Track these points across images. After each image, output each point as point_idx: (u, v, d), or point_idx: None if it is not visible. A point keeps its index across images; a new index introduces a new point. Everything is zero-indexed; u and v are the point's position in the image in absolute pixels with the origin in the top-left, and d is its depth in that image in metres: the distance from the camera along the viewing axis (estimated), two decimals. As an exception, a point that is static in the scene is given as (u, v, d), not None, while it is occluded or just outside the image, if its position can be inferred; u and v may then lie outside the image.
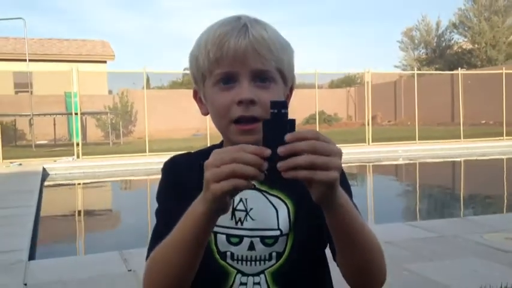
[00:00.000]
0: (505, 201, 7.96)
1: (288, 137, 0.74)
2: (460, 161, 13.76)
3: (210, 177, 0.77)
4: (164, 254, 0.91)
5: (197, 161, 1.07)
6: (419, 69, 28.44)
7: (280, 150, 0.74)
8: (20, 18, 21.27)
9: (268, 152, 0.75)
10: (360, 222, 0.87)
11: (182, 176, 1.06)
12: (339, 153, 0.76)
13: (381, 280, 0.96)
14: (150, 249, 0.98)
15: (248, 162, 0.75)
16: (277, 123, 0.76)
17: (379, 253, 0.93)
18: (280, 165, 0.74)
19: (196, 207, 0.83)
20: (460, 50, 34.64)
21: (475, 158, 13.79)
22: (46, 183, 10.18)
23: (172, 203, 1.02)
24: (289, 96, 1.07)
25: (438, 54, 35.47)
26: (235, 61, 0.95)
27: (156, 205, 1.07)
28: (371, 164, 13.27)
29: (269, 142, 0.76)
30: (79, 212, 8.19)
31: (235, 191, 0.77)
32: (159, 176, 1.10)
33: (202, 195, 0.81)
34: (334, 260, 0.99)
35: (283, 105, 0.77)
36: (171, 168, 1.10)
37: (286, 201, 1.03)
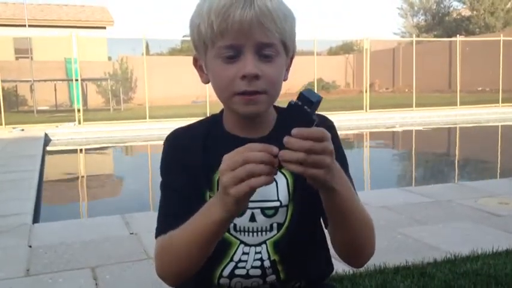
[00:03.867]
0: (500, 167, 8.01)
1: (294, 131, 0.76)
2: (456, 127, 13.76)
3: (227, 182, 0.78)
4: (178, 247, 0.94)
5: (199, 133, 1.08)
6: (418, 36, 28.14)
7: (285, 140, 0.76)
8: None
9: (275, 150, 0.77)
10: (354, 204, 0.90)
11: (185, 151, 1.06)
12: (331, 152, 0.79)
13: (370, 254, 1.00)
14: (159, 227, 1.01)
15: (261, 161, 0.76)
16: (295, 115, 0.76)
17: (371, 231, 0.96)
18: (280, 155, 0.77)
19: (214, 213, 0.84)
20: (458, 17, 34.24)
21: (471, 124, 13.79)
22: (48, 148, 10.19)
23: (178, 178, 1.04)
24: (289, 65, 1.05)
25: (437, 21, 35.06)
26: (240, 34, 0.92)
27: (158, 177, 1.08)
28: (368, 130, 13.27)
29: (280, 129, 0.78)
30: (81, 176, 8.23)
31: (254, 190, 0.78)
32: (160, 142, 1.10)
33: (220, 201, 0.82)
34: (326, 228, 1.03)
35: (309, 103, 0.76)
36: (174, 142, 1.09)
37: (286, 173, 1.04)
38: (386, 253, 3.03)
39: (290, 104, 0.77)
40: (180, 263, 0.94)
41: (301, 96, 0.76)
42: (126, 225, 3.84)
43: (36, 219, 4.40)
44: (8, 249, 3.34)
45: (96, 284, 2.73)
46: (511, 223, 3.67)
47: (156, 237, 1.00)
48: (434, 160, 9.41)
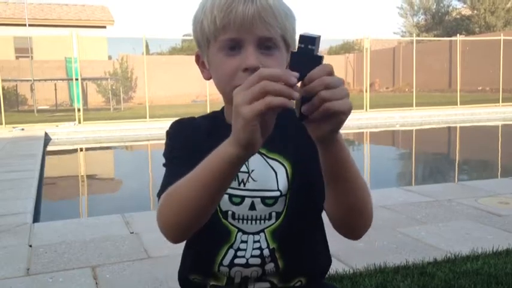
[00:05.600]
0: (500, 166, 8.01)
1: (310, 74, 0.73)
2: (456, 127, 13.76)
3: (240, 101, 0.72)
4: (184, 190, 0.88)
5: (202, 124, 1.10)
6: (418, 35, 28.13)
7: (306, 79, 0.73)
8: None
9: (293, 79, 0.72)
10: (352, 158, 0.87)
11: (191, 136, 1.08)
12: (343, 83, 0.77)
13: (368, 224, 0.97)
14: (162, 189, 0.98)
15: (279, 78, 0.71)
16: (301, 58, 0.75)
17: (368, 196, 0.94)
18: (305, 109, 0.74)
19: (224, 148, 0.79)
20: (458, 16, 34.23)
21: (471, 124, 13.79)
22: (48, 147, 10.19)
23: (182, 152, 1.04)
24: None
25: (437, 21, 35.04)
26: (242, 28, 0.95)
27: (158, 176, 1.07)
28: (368, 130, 13.27)
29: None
30: (81, 176, 8.23)
31: (269, 110, 0.71)
32: (160, 141, 1.11)
33: (232, 134, 0.76)
34: (324, 209, 1.00)
35: (312, 41, 0.74)
36: (179, 126, 1.12)
37: (284, 163, 1.05)
38: (386, 252, 3.03)
39: (294, 52, 0.75)
40: (185, 208, 0.88)
41: (301, 38, 0.75)
42: (126, 224, 3.84)
43: (36, 218, 4.40)
44: (8, 249, 3.34)
45: (97, 283, 2.72)
46: (511, 223, 3.67)
47: (159, 195, 0.98)
48: (435, 159, 9.41)
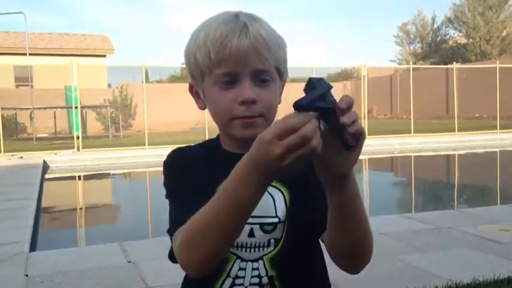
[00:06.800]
0: (499, 193, 7.99)
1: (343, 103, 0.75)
2: (455, 154, 13.77)
3: (279, 153, 0.72)
4: (206, 221, 0.85)
5: (200, 152, 1.10)
6: (414, 63, 28.44)
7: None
8: (21, 12, 21.18)
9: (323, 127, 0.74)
10: (360, 199, 0.89)
11: (191, 165, 1.07)
12: None
13: (369, 258, 0.98)
14: (174, 225, 0.95)
15: (306, 125, 0.72)
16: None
17: (371, 232, 0.94)
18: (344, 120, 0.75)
19: (252, 177, 0.78)
20: (455, 45, 34.66)
21: (469, 150, 13.81)
22: (47, 175, 10.16)
23: (185, 182, 1.03)
24: (281, 89, 1.08)
25: (433, 49, 35.47)
26: (237, 62, 0.96)
27: (157, 203, 1.06)
28: (367, 157, 13.27)
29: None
30: (79, 204, 8.18)
31: (302, 159, 0.73)
32: (159, 169, 1.10)
33: (262, 168, 0.76)
34: (322, 240, 1.00)
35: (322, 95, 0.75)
36: (177, 156, 1.10)
37: (282, 189, 1.05)
38: (387, 281, 2.99)
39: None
40: (212, 242, 0.86)
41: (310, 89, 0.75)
42: (123, 253, 3.80)
43: (33, 247, 4.35)
44: (4, 278, 3.30)
45: (93, 313, 2.68)
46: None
47: (170, 233, 0.96)
48: (434, 186, 9.38)
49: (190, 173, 1.04)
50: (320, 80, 0.76)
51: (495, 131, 16.92)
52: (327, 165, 0.81)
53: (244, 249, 1.03)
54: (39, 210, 6.13)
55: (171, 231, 0.97)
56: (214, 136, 1.15)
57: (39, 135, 18.70)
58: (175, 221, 0.95)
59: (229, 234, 0.87)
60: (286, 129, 0.72)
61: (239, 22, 0.97)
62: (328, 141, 0.76)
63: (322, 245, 1.05)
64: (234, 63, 0.96)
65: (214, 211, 0.85)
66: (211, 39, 0.96)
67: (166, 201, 1.05)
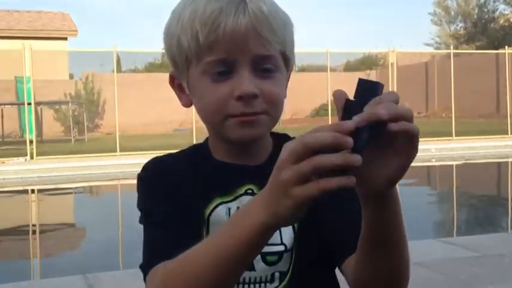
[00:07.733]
0: None
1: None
2: (507, 161, 13.78)
3: (288, 178, 0.70)
4: (195, 268, 0.84)
5: (184, 161, 1.08)
6: (456, 47, 28.48)
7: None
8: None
9: (350, 140, 0.69)
10: (403, 225, 0.88)
11: (173, 180, 1.05)
12: None
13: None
14: (150, 260, 0.94)
15: (331, 146, 0.69)
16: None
17: (409, 256, 0.93)
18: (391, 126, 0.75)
19: (256, 214, 0.76)
20: (507, 24, 34.69)
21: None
22: (-8, 190, 10.19)
23: (165, 203, 1.00)
24: (287, 80, 1.07)
25: (480, 29, 35.54)
26: (233, 46, 0.94)
27: (129, 226, 1.05)
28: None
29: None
30: (34, 226, 8.18)
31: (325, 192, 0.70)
32: (133, 182, 1.09)
33: (268, 201, 0.74)
34: (341, 269, 0.99)
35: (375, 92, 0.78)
36: (156, 166, 1.08)
37: None
38: (422, 323, 2.99)
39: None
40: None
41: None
42: (88, 287, 3.81)
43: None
44: None
45: None
46: None
47: (145, 269, 0.94)
48: (481, 203, 9.39)
49: (173, 191, 1.02)
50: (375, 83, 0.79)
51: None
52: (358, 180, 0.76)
53: (241, 286, 1.02)
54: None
55: (145, 268, 0.94)
56: (202, 140, 1.13)
57: (-18, 139, 18.72)
58: (153, 256, 0.93)
59: (223, 281, 0.84)
60: (301, 149, 0.70)
61: None
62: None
63: (340, 276, 1.05)
64: (229, 47, 0.94)
65: (206, 250, 0.83)
66: (199, 18, 0.94)
67: (141, 226, 1.03)
